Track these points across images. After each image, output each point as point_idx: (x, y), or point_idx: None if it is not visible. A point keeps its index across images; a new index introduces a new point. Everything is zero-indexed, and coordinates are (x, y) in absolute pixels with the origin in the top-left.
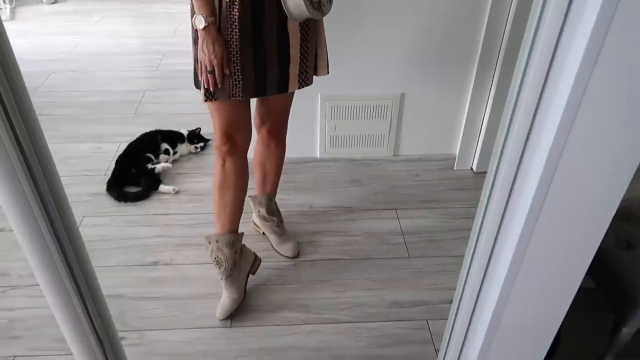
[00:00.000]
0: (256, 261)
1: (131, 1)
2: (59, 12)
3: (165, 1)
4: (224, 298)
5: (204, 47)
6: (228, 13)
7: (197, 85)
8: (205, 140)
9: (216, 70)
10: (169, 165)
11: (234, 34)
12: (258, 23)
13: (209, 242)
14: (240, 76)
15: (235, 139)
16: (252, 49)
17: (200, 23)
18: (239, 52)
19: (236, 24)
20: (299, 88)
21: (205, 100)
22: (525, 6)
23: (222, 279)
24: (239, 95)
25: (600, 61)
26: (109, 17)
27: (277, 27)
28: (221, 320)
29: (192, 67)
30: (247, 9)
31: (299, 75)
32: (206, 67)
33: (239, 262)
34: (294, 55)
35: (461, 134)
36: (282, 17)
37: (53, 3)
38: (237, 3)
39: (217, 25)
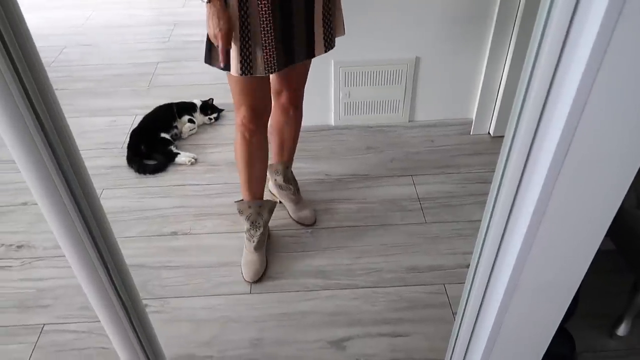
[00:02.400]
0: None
1: None
2: None
3: None
4: (254, 261)
5: (209, 22)
6: None
7: (208, 60)
8: (219, 111)
9: (220, 45)
10: (192, 159)
11: (265, 6)
12: None
13: (249, 207)
14: (274, 49)
15: (259, 113)
16: (281, 18)
17: None
18: (271, 24)
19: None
20: (325, 52)
21: (242, 74)
22: None
23: (254, 242)
24: (274, 68)
25: (626, 12)
26: None
27: None
28: (253, 282)
29: (204, 39)
30: None
31: (324, 38)
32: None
33: (268, 227)
34: (318, 19)
35: (478, 98)
36: None
37: None
38: None
39: (241, 2)
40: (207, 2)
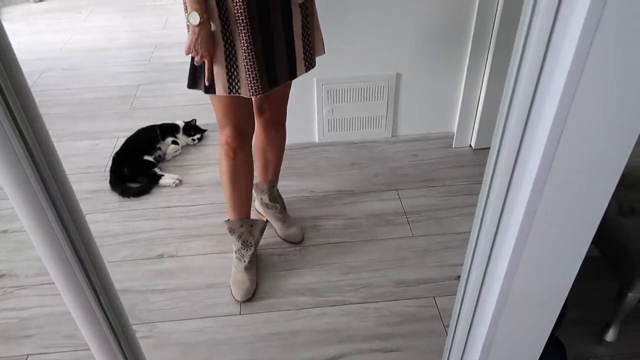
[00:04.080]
0: None
1: None
2: (46, 10)
3: None
4: (245, 280)
5: (197, 45)
6: (235, 11)
7: (193, 85)
8: (202, 131)
9: (206, 66)
10: (176, 180)
11: (245, 29)
12: (264, 13)
13: (240, 226)
14: (257, 72)
15: (244, 132)
16: (262, 41)
17: (194, 19)
18: (252, 47)
19: (246, 20)
20: (306, 71)
21: (230, 93)
22: None
23: (244, 261)
24: (259, 91)
25: (601, 29)
26: (98, 12)
27: (281, 12)
28: (243, 302)
29: (184, 60)
30: (252, 1)
31: (304, 58)
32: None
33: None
34: (298, 39)
35: (458, 112)
36: (283, 1)
37: (39, 1)
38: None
39: (222, 22)
40: (196, 25)
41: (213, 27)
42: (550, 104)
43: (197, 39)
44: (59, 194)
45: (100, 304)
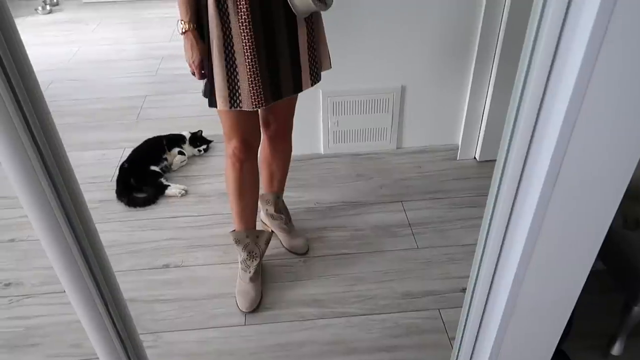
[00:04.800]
0: None
1: (127, 7)
2: (55, 22)
3: (161, 6)
4: (250, 291)
5: (184, 51)
6: (240, 24)
7: (207, 95)
8: (208, 142)
9: (195, 72)
10: (182, 191)
11: (249, 43)
12: (269, 26)
13: (246, 237)
14: (261, 84)
15: (250, 143)
16: (266, 53)
17: (179, 28)
18: (256, 60)
19: (250, 33)
20: (311, 85)
21: (230, 108)
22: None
23: (250, 272)
24: (262, 103)
25: (606, 44)
26: (105, 24)
27: (286, 27)
28: (248, 312)
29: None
30: (257, 16)
31: (310, 72)
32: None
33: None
34: (303, 53)
35: (463, 124)
36: (289, 17)
37: (48, 13)
38: (244, 12)
39: (225, 35)
40: (181, 34)
41: (215, 43)
42: (557, 117)
43: (186, 45)
44: (71, 202)
45: (109, 313)
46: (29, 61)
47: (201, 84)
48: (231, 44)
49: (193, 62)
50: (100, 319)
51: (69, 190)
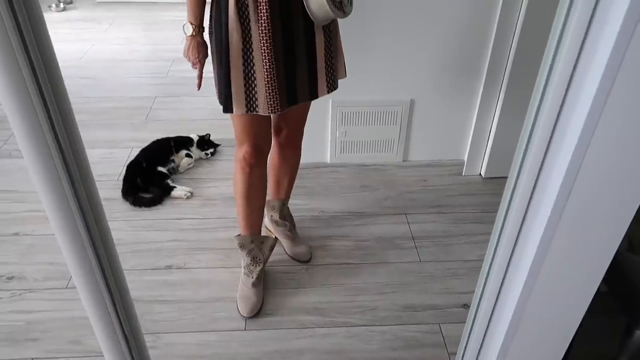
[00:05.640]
0: None
1: (140, 8)
2: (68, 20)
3: (174, 9)
4: (251, 296)
5: (188, 52)
6: (260, 31)
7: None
8: (215, 146)
9: (198, 74)
10: (187, 193)
11: (268, 49)
12: (288, 33)
13: (251, 242)
14: (277, 90)
15: (262, 149)
16: (284, 59)
17: (188, 30)
18: (274, 64)
19: (270, 40)
20: (328, 93)
21: (247, 112)
22: (533, 19)
23: (252, 277)
24: (277, 109)
25: (624, 67)
26: (119, 24)
27: (305, 35)
28: (248, 317)
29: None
30: (276, 24)
31: (326, 79)
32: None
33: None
34: (320, 60)
35: (469, 141)
36: (307, 25)
37: (62, 10)
38: (264, 20)
39: (245, 42)
40: (189, 35)
41: (234, 49)
42: (570, 140)
43: (188, 47)
44: (87, 199)
45: (117, 311)
46: (55, 55)
47: (213, 88)
48: (250, 50)
49: (199, 62)
50: (108, 316)
51: (86, 186)
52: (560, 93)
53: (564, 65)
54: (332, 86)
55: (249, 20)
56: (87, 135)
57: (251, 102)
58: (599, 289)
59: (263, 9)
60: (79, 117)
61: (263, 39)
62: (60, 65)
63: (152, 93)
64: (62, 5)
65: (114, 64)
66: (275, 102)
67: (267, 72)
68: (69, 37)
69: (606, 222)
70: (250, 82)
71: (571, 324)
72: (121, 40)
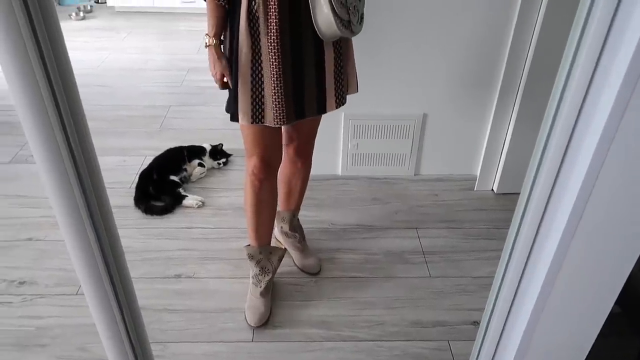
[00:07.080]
0: None
1: (157, 18)
2: (87, 28)
3: (190, 19)
4: (260, 306)
5: (209, 63)
6: (269, 43)
7: (231, 110)
8: (228, 156)
9: (217, 83)
10: (199, 202)
11: (276, 63)
12: (297, 50)
13: (260, 252)
14: (284, 103)
15: (270, 164)
16: (292, 72)
17: (205, 42)
18: (281, 80)
19: (278, 53)
20: (336, 108)
21: (252, 122)
22: (549, 32)
23: (261, 287)
24: (283, 121)
25: None
26: (136, 33)
27: (314, 50)
28: (256, 327)
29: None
30: (286, 39)
31: (335, 95)
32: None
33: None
34: (329, 75)
35: (482, 156)
36: (317, 40)
37: (81, 19)
38: (273, 33)
39: (254, 54)
40: (206, 47)
41: (243, 61)
42: (585, 155)
43: (209, 58)
44: (97, 206)
45: (124, 319)
46: (69, 62)
47: (225, 98)
48: (260, 61)
49: (215, 74)
50: (115, 324)
51: (97, 194)
52: (575, 107)
53: (580, 78)
54: (340, 102)
55: (259, 33)
56: (102, 142)
57: (257, 113)
58: (611, 310)
59: (273, 22)
60: (94, 125)
61: (272, 52)
62: (77, 73)
63: (166, 102)
64: (82, 14)
65: (130, 73)
66: (282, 114)
67: (274, 84)
68: (87, 46)
69: (621, 240)
70: (257, 93)
71: (583, 346)
72: (138, 49)
